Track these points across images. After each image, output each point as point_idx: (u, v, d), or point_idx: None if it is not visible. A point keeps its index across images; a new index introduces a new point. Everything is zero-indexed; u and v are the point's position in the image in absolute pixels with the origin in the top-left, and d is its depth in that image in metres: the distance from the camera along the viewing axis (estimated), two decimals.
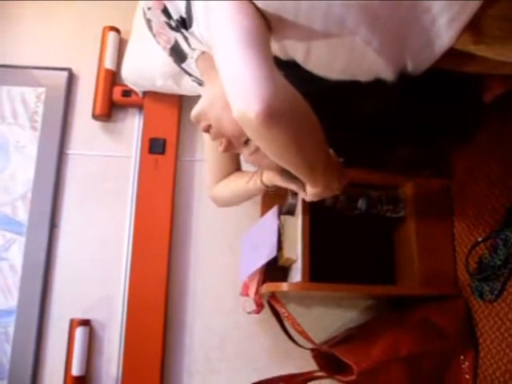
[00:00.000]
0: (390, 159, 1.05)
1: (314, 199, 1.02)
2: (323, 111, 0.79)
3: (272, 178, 1.09)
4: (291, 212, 1.38)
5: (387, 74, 0.88)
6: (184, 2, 0.86)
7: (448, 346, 1.29)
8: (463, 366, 1.30)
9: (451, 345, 1.29)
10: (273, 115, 0.69)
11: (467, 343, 1.30)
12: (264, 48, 0.75)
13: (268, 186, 1.13)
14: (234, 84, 0.72)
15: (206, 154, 1.28)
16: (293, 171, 0.92)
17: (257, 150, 0.95)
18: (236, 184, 1.20)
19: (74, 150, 1.75)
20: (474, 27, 0.78)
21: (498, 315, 1.21)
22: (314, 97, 0.78)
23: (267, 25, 0.79)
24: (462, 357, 1.30)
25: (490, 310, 1.24)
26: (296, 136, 0.75)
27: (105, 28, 1.80)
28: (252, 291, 1.42)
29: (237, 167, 1.26)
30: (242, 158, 1.20)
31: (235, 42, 0.73)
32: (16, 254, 1.63)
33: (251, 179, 1.14)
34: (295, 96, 0.75)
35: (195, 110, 0.98)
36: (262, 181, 1.12)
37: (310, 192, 1.00)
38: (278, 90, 0.70)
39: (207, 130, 0.97)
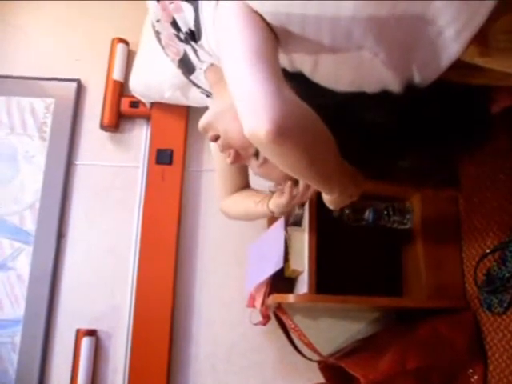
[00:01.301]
0: (397, 170, 1.05)
1: (333, 207, 1.01)
2: (330, 122, 0.80)
3: (279, 203, 1.08)
4: (298, 223, 1.38)
5: (394, 85, 0.88)
6: (192, 15, 0.87)
7: (456, 359, 1.28)
8: (472, 379, 1.28)
9: (460, 358, 1.28)
10: (283, 133, 0.69)
11: (476, 356, 1.28)
12: (272, 63, 0.75)
13: (273, 212, 1.12)
14: (243, 102, 0.73)
15: (215, 165, 1.29)
16: (307, 182, 0.92)
17: (265, 162, 0.95)
18: (245, 204, 1.20)
19: (82, 160, 1.76)
20: (480, 40, 0.78)
21: (508, 328, 1.20)
22: (321, 108, 0.78)
23: (275, 37, 0.79)
24: (470, 370, 1.29)
25: (498, 323, 1.23)
26: (308, 150, 0.75)
27: (113, 40, 1.82)
28: (258, 302, 1.41)
29: (245, 179, 1.27)
30: (250, 170, 1.20)
31: (243, 58, 0.74)
32: (23, 264, 1.64)
33: (259, 203, 1.13)
34: (305, 110, 0.75)
35: (203, 121, 0.98)
36: (268, 206, 1.11)
37: (326, 200, 0.99)
38: (286, 107, 0.70)
39: (215, 139, 0.97)
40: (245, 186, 1.29)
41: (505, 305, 1.20)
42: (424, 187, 1.37)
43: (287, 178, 1.00)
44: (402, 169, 1.08)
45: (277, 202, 1.08)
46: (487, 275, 1.26)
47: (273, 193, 1.11)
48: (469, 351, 1.28)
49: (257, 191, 1.25)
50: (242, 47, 0.75)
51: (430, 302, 1.35)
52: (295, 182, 1.03)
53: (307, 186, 1.02)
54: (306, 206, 1.31)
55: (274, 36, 0.79)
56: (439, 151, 1.05)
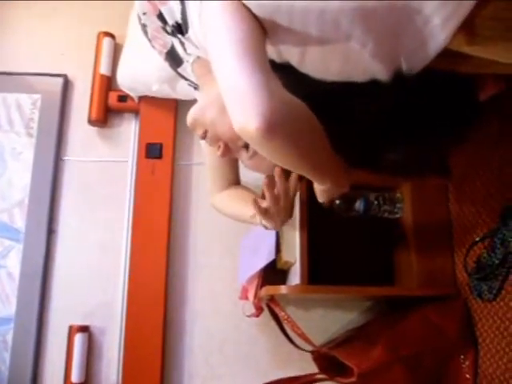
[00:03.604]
0: (387, 161, 1.05)
1: (325, 198, 1.01)
2: (318, 113, 0.79)
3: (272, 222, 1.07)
4: None
5: (383, 74, 0.88)
6: (179, 8, 0.86)
7: (448, 345, 1.29)
8: (463, 365, 1.30)
9: (451, 345, 1.29)
10: (272, 128, 0.69)
11: (467, 343, 1.30)
12: (260, 56, 0.75)
13: (267, 228, 1.12)
14: (232, 98, 0.72)
15: (205, 160, 1.28)
16: (299, 173, 0.92)
17: (255, 153, 0.94)
18: (240, 210, 1.20)
19: (71, 155, 1.75)
20: (467, 28, 0.78)
21: (497, 314, 1.21)
22: (310, 98, 0.78)
23: (262, 29, 0.79)
24: (461, 356, 1.30)
25: (489, 310, 1.24)
26: (298, 142, 0.75)
27: (99, 33, 1.80)
28: (251, 294, 1.42)
29: (236, 174, 1.26)
30: (240, 164, 1.20)
31: (230, 52, 0.73)
32: (14, 261, 1.63)
33: (254, 217, 1.12)
34: (292, 102, 0.75)
35: (191, 117, 0.97)
36: (261, 221, 1.11)
37: (318, 190, 0.99)
38: (275, 102, 0.70)
39: (204, 137, 0.97)
40: (235, 180, 1.29)
41: (494, 291, 1.21)
42: (415, 178, 1.38)
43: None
44: (392, 160, 1.09)
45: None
46: (477, 262, 1.27)
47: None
48: (460, 338, 1.30)
49: (251, 194, 1.23)
50: (228, 40, 0.74)
51: (420, 290, 1.36)
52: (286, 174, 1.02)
53: (286, 191, 1.02)
54: (297, 198, 1.31)
55: (261, 28, 0.79)
56: (429, 140, 1.05)
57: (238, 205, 1.21)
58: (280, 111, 0.71)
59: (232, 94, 0.72)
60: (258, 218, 1.10)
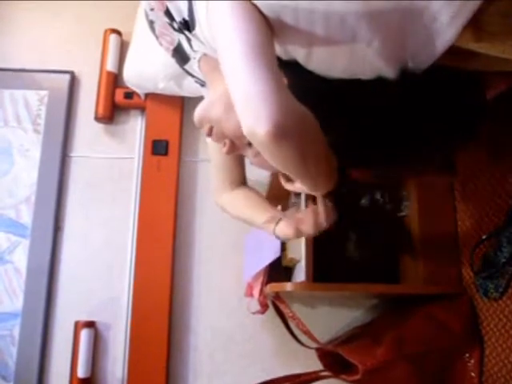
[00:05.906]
0: (396, 160, 1.04)
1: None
2: (324, 109, 0.79)
3: (286, 232, 1.06)
4: None
5: (389, 72, 0.88)
6: (186, 5, 0.86)
7: (453, 344, 1.29)
8: (468, 364, 1.30)
9: (456, 343, 1.29)
10: (281, 133, 0.69)
11: (472, 341, 1.29)
12: (270, 57, 0.74)
13: (278, 237, 1.10)
14: (242, 100, 0.72)
15: (210, 157, 1.28)
16: (295, 177, 0.91)
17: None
18: (251, 215, 1.18)
19: (77, 152, 1.76)
20: (474, 25, 0.77)
21: (503, 313, 1.21)
22: (315, 95, 0.78)
23: (270, 28, 0.79)
24: (467, 355, 1.30)
25: (495, 308, 1.24)
26: (303, 149, 0.74)
27: (106, 30, 1.80)
28: (256, 292, 1.42)
29: (242, 172, 1.26)
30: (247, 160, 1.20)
31: (240, 53, 0.73)
32: (20, 257, 1.64)
33: (267, 223, 1.11)
34: (301, 110, 0.75)
35: (198, 114, 0.97)
36: (274, 230, 1.09)
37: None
38: (285, 108, 0.70)
39: (210, 133, 0.97)
40: (242, 179, 1.28)
41: (500, 290, 1.21)
42: (422, 175, 1.37)
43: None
44: (397, 157, 1.08)
45: (284, 231, 1.07)
46: (483, 261, 1.26)
47: (280, 219, 1.09)
48: (465, 336, 1.30)
49: (261, 198, 1.22)
50: (239, 42, 0.74)
51: (426, 289, 1.36)
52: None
53: (316, 225, 1.01)
54: (303, 195, 1.31)
55: (269, 26, 0.79)
56: (436, 138, 1.05)
57: (249, 210, 1.20)
58: (290, 117, 0.70)
59: (243, 98, 0.72)
60: (272, 227, 1.09)
